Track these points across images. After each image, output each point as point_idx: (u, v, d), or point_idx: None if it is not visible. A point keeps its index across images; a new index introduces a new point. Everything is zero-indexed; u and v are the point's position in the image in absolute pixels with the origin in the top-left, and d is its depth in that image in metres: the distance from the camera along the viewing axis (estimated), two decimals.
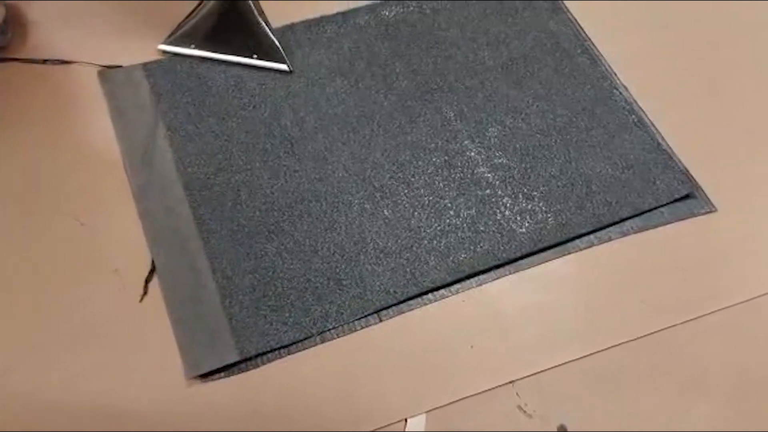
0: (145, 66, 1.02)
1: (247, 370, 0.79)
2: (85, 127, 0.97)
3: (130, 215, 0.89)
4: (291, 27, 1.04)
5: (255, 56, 1.00)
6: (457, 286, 0.83)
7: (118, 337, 0.81)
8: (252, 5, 1.01)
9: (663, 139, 0.91)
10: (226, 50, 1.00)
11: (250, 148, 0.94)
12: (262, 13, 1.02)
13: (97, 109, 0.98)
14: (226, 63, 1.00)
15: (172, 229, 0.88)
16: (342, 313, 0.82)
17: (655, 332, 0.78)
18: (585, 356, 0.78)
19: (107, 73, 1.01)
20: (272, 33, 1.01)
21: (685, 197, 0.87)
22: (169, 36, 1.01)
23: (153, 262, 0.85)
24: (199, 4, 1.03)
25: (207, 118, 0.97)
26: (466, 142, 0.93)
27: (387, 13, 1.05)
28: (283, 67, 0.99)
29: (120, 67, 1.02)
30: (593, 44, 1.00)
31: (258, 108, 0.97)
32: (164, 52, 1.01)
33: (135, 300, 0.83)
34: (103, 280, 0.84)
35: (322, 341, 0.81)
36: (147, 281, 0.84)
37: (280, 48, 1.00)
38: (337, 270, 0.84)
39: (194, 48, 1.00)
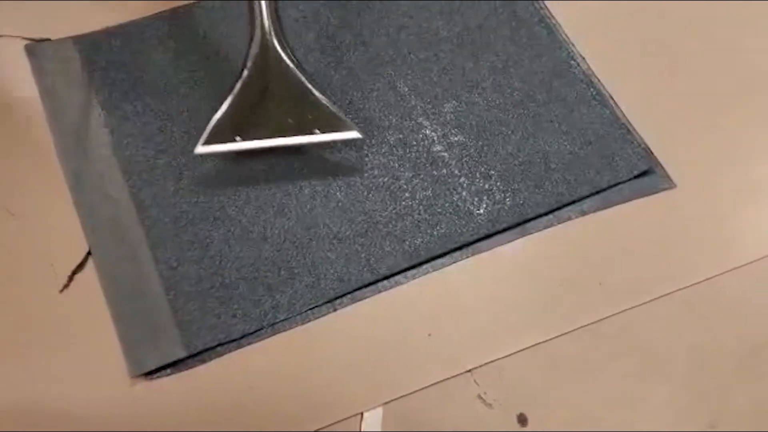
0: (76, 39, 0.94)
1: (195, 366, 0.76)
2: (12, 108, 0.90)
3: (65, 204, 0.83)
4: None
5: (317, 131, 0.82)
6: (413, 271, 0.80)
7: (55, 336, 0.76)
8: (298, 73, 0.82)
9: (622, 112, 0.89)
10: (281, 133, 0.81)
11: (192, 128, 0.89)
12: (310, 79, 0.82)
13: (25, 88, 0.91)
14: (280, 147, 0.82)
15: (110, 218, 0.83)
16: (294, 304, 0.78)
17: (614, 315, 0.77)
18: (544, 341, 0.76)
19: (35, 47, 0.94)
20: (327, 99, 0.82)
21: (644, 173, 0.85)
22: (206, 133, 0.81)
23: (87, 253, 0.80)
24: (231, 89, 0.82)
25: (145, 96, 0.91)
26: (421, 119, 0.89)
27: None
28: (354, 134, 0.81)
29: (49, 40, 0.95)
30: (550, 12, 0.96)
31: (200, 84, 0.91)
32: (202, 154, 0.81)
33: (72, 295, 0.78)
34: (37, 275, 0.79)
35: (274, 333, 0.77)
36: (74, 272, 0.79)
37: (342, 114, 0.82)
38: (288, 258, 0.81)
39: (241, 140, 0.81)
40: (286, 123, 0.82)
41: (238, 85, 0.82)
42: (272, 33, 0.81)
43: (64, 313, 0.77)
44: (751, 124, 0.88)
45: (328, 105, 0.82)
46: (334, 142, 0.84)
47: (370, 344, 0.76)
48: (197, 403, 0.73)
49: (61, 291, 0.78)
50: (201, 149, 0.81)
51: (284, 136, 0.82)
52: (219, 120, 0.81)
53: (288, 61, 0.82)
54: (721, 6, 0.98)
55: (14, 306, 0.77)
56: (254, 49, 0.82)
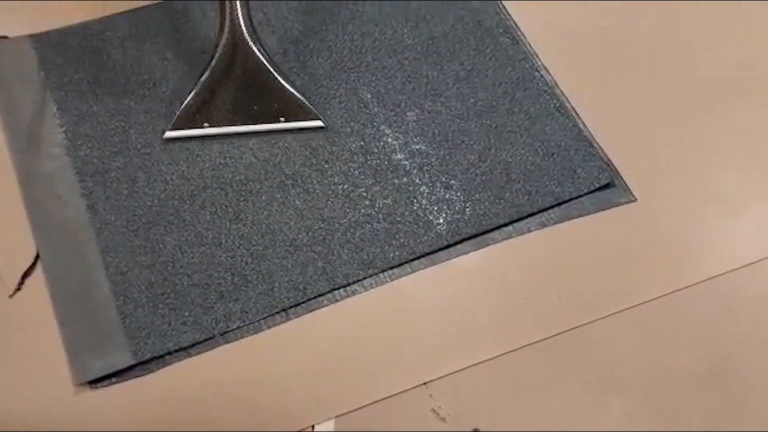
0: (34, 37, 0.93)
1: (141, 375, 0.73)
2: None
3: (14, 204, 0.81)
4: None
5: (282, 119, 0.85)
6: (371, 280, 0.79)
7: None
8: (267, 64, 0.84)
9: (584, 125, 0.88)
10: (247, 120, 0.85)
11: (149, 130, 0.87)
12: (278, 70, 0.85)
13: None
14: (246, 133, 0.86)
15: (61, 220, 0.81)
16: (247, 312, 0.76)
17: (572, 329, 0.76)
18: (500, 355, 0.75)
19: None
20: (294, 88, 0.85)
21: (605, 186, 0.85)
22: (175, 119, 0.85)
23: (37, 255, 0.78)
24: (200, 76, 0.84)
25: (102, 96, 0.89)
26: (383, 126, 0.88)
27: None
28: (317, 123, 0.86)
29: (6, 38, 0.93)
30: (515, 23, 0.96)
31: (159, 85, 0.90)
32: (170, 139, 0.85)
33: (16, 297, 0.76)
34: None
35: (225, 342, 0.75)
36: (25, 276, 0.77)
37: (308, 103, 0.86)
38: (243, 265, 0.79)
39: (209, 126, 0.85)
40: (253, 111, 0.85)
41: (207, 73, 0.84)
42: (242, 23, 0.83)
43: (10, 315, 0.75)
44: (713, 138, 0.88)
45: (294, 94, 0.85)
46: (299, 130, 0.86)
47: (323, 355, 0.75)
48: (142, 412, 0.71)
49: (11, 296, 0.76)
50: (170, 134, 0.85)
51: (251, 124, 0.85)
52: (188, 106, 0.84)
53: (256, 51, 0.84)
54: (684, 19, 0.98)
55: None
56: (224, 38, 0.83)
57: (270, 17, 0.95)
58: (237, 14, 0.82)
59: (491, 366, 0.74)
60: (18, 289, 0.76)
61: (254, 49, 0.83)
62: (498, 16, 0.96)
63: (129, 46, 0.92)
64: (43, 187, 0.82)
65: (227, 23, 0.82)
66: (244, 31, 0.83)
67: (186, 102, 0.84)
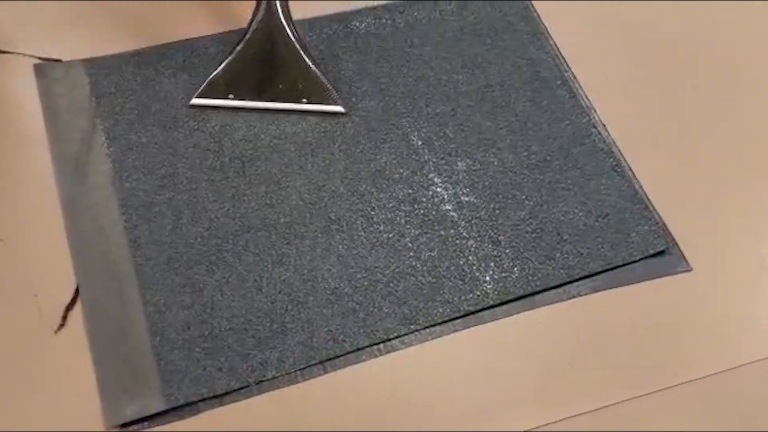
0: (87, 62, 0.92)
1: (174, 420, 0.71)
2: (14, 128, 0.88)
3: (56, 233, 0.80)
4: None
5: (304, 100, 0.89)
6: (411, 337, 0.76)
7: (29, 373, 0.72)
8: (296, 43, 0.88)
9: (641, 186, 0.86)
10: (271, 97, 0.88)
11: (197, 165, 0.86)
12: (307, 52, 0.89)
13: (30, 108, 0.89)
14: (264, 109, 0.89)
15: (102, 253, 0.80)
16: (284, 362, 0.74)
17: (621, 402, 0.73)
18: (543, 425, 0.72)
19: (44, 67, 0.92)
20: (320, 72, 0.89)
21: (659, 253, 0.82)
22: (202, 87, 0.88)
23: (77, 289, 0.77)
24: (232, 50, 0.89)
25: (151, 127, 0.88)
26: (432, 174, 0.86)
27: (357, 25, 0.97)
28: (338, 108, 0.89)
29: (59, 61, 0.93)
30: (573, 75, 0.94)
31: (208, 119, 0.89)
32: (196, 106, 0.88)
33: (53, 330, 0.74)
34: (19, 305, 0.75)
35: (260, 392, 0.73)
36: (67, 310, 0.76)
37: (332, 88, 0.88)
38: (282, 311, 0.77)
39: (233, 98, 0.88)
40: (278, 89, 0.88)
41: (239, 48, 0.88)
42: (278, 3, 0.86)
43: (42, 348, 0.74)
44: None
45: (319, 77, 0.88)
46: (318, 112, 0.89)
47: (358, 413, 0.72)
48: None
49: (57, 331, 0.75)
50: (195, 101, 0.88)
51: (274, 101, 0.88)
52: (216, 76, 0.88)
53: (288, 31, 0.87)
54: (748, 83, 0.95)
55: None
56: (259, 16, 0.87)
57: (324, 55, 0.94)
58: None
59: None
60: (62, 324, 0.75)
61: (287, 29, 0.87)
62: (556, 67, 0.94)
63: (181, 77, 0.92)
64: (86, 217, 0.82)
65: (264, 2, 0.86)
66: (279, 10, 0.86)
67: (216, 72, 0.88)
